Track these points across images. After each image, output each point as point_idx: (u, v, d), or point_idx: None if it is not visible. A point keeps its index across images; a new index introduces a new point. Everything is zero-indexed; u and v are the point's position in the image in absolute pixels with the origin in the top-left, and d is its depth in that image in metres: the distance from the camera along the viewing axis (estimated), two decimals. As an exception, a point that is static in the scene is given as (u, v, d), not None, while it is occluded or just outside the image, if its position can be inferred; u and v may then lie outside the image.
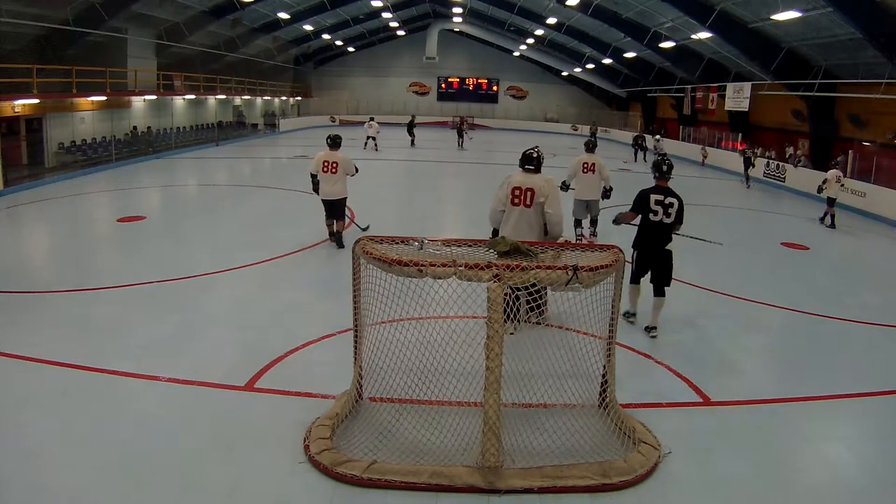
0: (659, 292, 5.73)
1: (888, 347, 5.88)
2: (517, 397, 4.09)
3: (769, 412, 4.45)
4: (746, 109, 20.66)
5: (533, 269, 3.51)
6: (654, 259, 5.73)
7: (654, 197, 5.60)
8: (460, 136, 26.35)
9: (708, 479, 3.60)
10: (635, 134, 26.55)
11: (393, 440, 3.78)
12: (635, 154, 23.92)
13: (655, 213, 5.58)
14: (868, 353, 5.71)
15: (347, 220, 9.19)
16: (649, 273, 5.78)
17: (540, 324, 5.34)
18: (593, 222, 9.25)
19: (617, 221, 6.00)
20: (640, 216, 5.69)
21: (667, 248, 5.70)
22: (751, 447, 3.93)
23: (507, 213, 5.40)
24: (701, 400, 4.54)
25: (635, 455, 3.64)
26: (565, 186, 8.76)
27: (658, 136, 24.78)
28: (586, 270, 3.52)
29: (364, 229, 9.08)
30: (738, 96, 20.60)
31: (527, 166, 5.45)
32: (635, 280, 5.87)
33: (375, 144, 22.53)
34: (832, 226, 11.94)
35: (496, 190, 5.59)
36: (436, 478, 3.41)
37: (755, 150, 19.10)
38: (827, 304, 6.97)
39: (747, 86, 19.97)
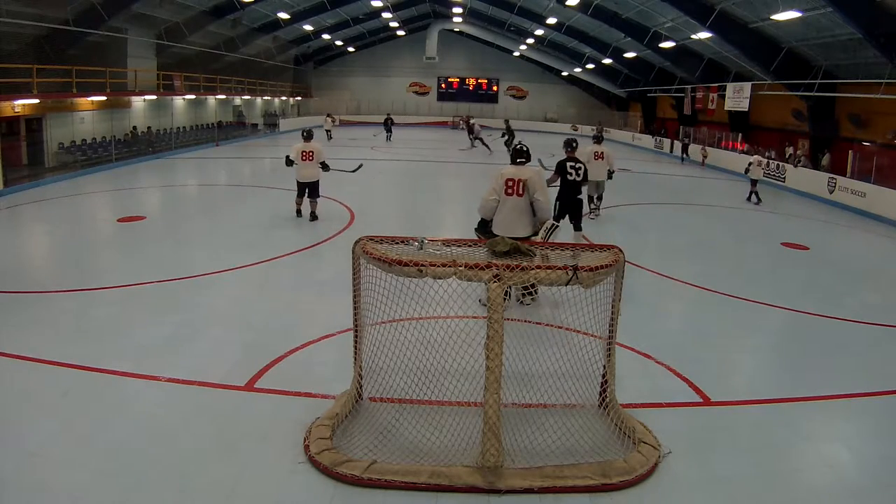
0: (577, 228, 8.26)
1: (888, 347, 5.88)
2: (517, 397, 4.09)
3: (769, 412, 4.45)
4: (746, 109, 20.65)
5: (533, 269, 3.51)
6: (571, 206, 8.14)
7: (569, 164, 8.16)
8: (471, 133, 26.03)
9: (708, 479, 3.60)
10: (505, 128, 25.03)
11: (393, 440, 3.78)
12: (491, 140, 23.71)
13: (571, 174, 8.10)
14: (868, 353, 5.71)
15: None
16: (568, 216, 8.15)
17: (530, 304, 6.07)
18: (599, 198, 11.59)
19: (548, 183, 7.54)
20: (559, 179, 8.18)
21: (578, 197, 8.22)
22: (751, 447, 3.93)
23: (501, 202, 5.88)
24: (701, 400, 4.54)
25: (635, 455, 3.64)
26: None
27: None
28: (586, 270, 3.52)
29: (354, 171, 11.28)
30: (738, 96, 20.59)
31: (518, 160, 6.00)
32: (558, 219, 7.53)
33: (330, 135, 26.25)
34: (758, 202, 14.10)
35: (488, 183, 6.02)
36: (436, 478, 3.41)
37: (689, 139, 25.16)
38: (827, 304, 6.97)
39: (747, 86, 19.97)
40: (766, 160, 14.77)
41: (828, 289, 7.90)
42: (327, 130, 26.72)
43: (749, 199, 14.37)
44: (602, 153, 11.14)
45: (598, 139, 11.76)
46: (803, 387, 4.86)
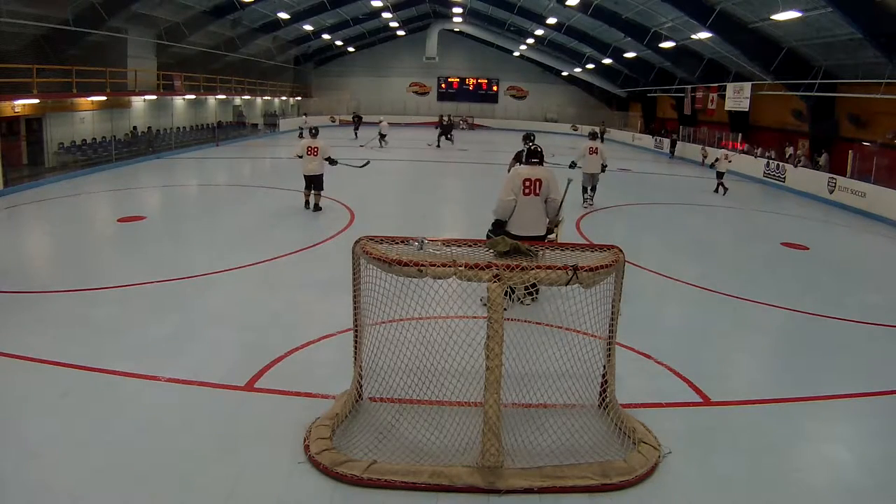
0: None
1: (888, 347, 5.88)
2: (517, 397, 4.09)
3: (769, 412, 4.45)
4: (746, 109, 20.65)
5: (533, 269, 3.51)
6: None
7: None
8: (448, 136, 25.74)
9: (708, 479, 3.60)
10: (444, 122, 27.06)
11: (393, 440, 3.78)
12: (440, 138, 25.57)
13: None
14: (868, 353, 5.71)
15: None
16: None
17: (529, 304, 6.11)
18: (594, 189, 12.61)
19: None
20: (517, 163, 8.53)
21: None
22: (751, 447, 3.93)
23: (519, 203, 5.92)
24: (701, 400, 4.54)
25: (635, 455, 3.64)
26: (574, 165, 11.74)
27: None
28: (586, 270, 3.52)
29: (362, 166, 12.07)
30: (738, 96, 20.59)
31: (532, 160, 6.08)
32: None
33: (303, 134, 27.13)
34: (719, 192, 15.39)
35: (503, 183, 6.06)
36: (436, 478, 3.41)
37: (676, 135, 27.15)
38: (827, 303, 6.97)
39: (747, 86, 19.96)
40: (731, 153, 17.12)
41: (828, 289, 7.90)
42: (302, 128, 27.57)
43: (717, 190, 15.58)
44: (596, 149, 12.13)
45: (593, 136, 12.89)
46: (803, 387, 4.86)
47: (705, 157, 22.79)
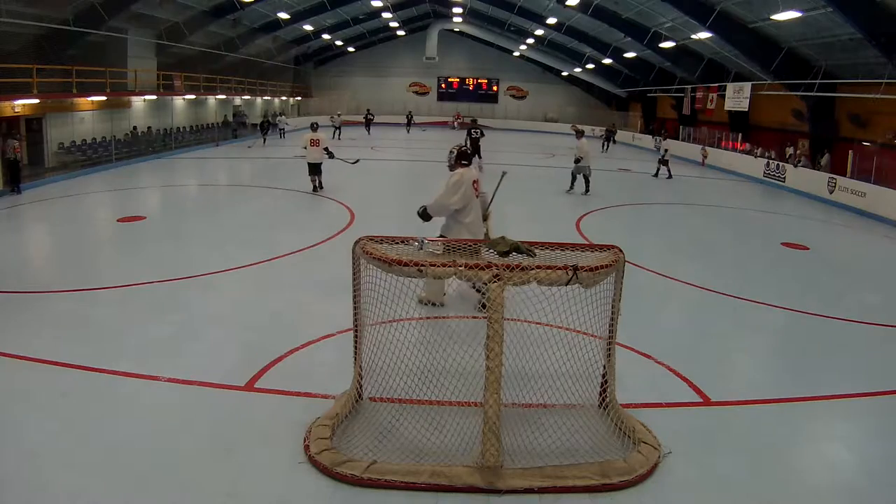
0: (479, 157, 11.72)
1: (888, 347, 5.88)
2: (517, 397, 4.09)
3: (769, 412, 4.45)
4: (746, 109, 20.64)
5: (533, 269, 3.51)
6: (476, 149, 11.82)
7: (472, 130, 14.16)
8: (367, 127, 30.64)
9: (708, 479, 3.60)
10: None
11: (393, 440, 3.78)
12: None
13: (474, 134, 14.06)
14: (868, 353, 5.71)
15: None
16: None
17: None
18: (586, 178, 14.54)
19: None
20: (469, 137, 14.40)
21: (479, 144, 13.91)
22: (751, 447, 3.93)
23: (471, 205, 6.00)
24: (701, 400, 4.54)
25: (635, 455, 3.64)
26: (579, 159, 13.89)
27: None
28: (586, 270, 3.52)
29: (354, 163, 13.71)
30: (737, 96, 20.58)
31: (463, 162, 6.16)
32: (470, 158, 8.29)
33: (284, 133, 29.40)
34: (669, 177, 17.96)
35: (448, 186, 5.90)
36: (436, 478, 3.41)
37: (614, 128, 31.13)
38: (827, 304, 6.97)
39: (747, 86, 19.96)
40: (670, 145, 19.30)
41: (828, 289, 7.90)
42: (281, 129, 28.91)
43: (656, 175, 18.16)
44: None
45: (580, 133, 15.05)
46: (803, 387, 4.86)
47: (705, 157, 22.80)
